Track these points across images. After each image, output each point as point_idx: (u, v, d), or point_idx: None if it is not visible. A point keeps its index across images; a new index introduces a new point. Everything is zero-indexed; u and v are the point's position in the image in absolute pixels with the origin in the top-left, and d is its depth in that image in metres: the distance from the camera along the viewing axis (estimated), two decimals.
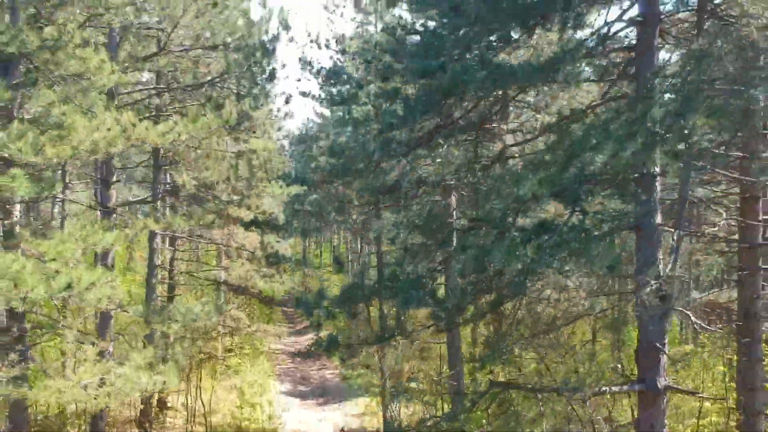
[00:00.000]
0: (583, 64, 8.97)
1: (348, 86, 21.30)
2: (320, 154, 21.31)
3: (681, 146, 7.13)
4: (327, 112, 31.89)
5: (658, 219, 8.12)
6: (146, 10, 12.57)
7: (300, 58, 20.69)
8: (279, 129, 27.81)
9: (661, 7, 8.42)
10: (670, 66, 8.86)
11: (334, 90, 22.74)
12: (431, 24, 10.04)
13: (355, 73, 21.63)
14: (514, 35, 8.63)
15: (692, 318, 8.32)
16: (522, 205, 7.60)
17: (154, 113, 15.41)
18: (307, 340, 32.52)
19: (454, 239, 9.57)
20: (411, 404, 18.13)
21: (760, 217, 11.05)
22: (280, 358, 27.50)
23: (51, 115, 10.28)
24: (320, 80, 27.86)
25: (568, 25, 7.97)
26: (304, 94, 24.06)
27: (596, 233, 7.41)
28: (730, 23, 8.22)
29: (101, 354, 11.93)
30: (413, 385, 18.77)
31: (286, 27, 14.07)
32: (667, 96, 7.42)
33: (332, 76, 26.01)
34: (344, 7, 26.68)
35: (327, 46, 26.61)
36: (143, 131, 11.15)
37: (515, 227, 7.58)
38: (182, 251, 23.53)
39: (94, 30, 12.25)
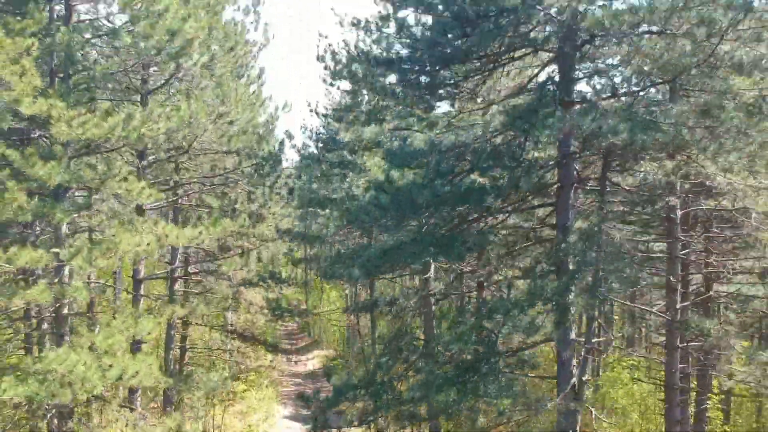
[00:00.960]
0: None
1: (344, 152, 23.86)
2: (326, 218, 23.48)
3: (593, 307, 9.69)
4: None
5: (572, 335, 10.47)
6: (175, 132, 15.00)
7: (301, 126, 23.27)
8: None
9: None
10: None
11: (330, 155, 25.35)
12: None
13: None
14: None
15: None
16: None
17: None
18: (308, 358, 34.97)
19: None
20: None
21: None
22: (283, 380, 29.43)
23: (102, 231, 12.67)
24: (319, 145, 30.72)
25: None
26: (305, 158, 26.28)
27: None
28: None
29: (139, 417, 14.20)
30: None
31: (290, 136, 16.67)
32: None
33: (329, 142, 28.84)
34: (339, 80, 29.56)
35: (325, 115, 29.36)
36: (174, 239, 13.54)
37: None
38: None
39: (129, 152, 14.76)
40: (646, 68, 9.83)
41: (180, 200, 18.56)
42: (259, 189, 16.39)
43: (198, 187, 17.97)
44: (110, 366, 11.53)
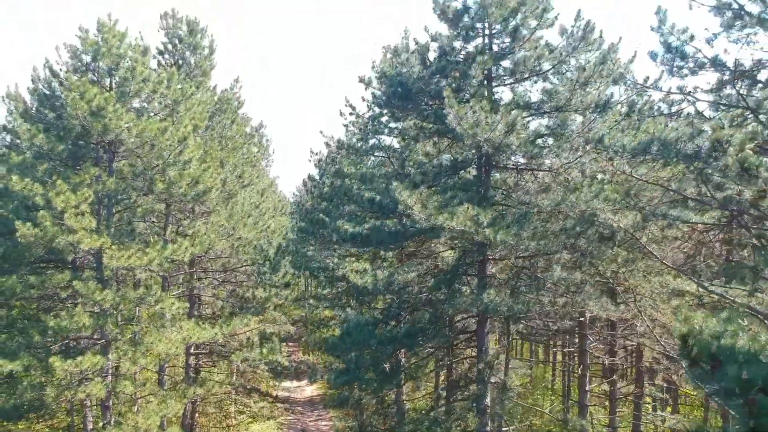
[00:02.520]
0: None
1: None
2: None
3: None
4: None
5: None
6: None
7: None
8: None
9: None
10: None
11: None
12: None
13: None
14: None
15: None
16: None
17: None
18: (307, 384, 38.29)
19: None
20: None
21: None
22: (283, 406, 32.72)
23: (142, 338, 16.44)
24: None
25: None
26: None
27: None
28: None
29: None
30: None
31: (288, 251, 20.53)
32: None
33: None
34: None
35: (323, 175, 33.44)
36: (195, 338, 17.32)
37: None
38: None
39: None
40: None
41: (197, 293, 22.46)
42: (260, 288, 20.20)
43: (211, 284, 21.79)
44: None
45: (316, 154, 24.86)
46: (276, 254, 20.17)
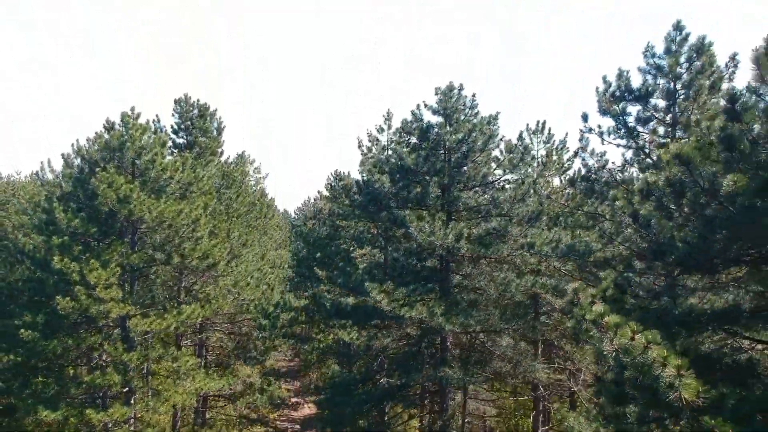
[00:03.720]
0: None
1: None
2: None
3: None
4: None
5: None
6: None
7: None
8: None
9: None
10: None
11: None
12: None
13: None
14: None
15: None
16: None
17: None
18: (306, 402, 40.87)
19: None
20: None
21: None
22: (281, 425, 35.44)
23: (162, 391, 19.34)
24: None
25: None
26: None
27: None
28: None
29: None
30: None
31: (287, 306, 23.48)
32: None
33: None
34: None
35: (324, 222, 36.18)
36: (207, 387, 20.22)
37: None
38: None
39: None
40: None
41: (206, 338, 25.40)
42: (260, 341, 23.09)
43: (218, 330, 24.71)
44: None
45: (315, 200, 27.62)
46: (275, 309, 23.07)
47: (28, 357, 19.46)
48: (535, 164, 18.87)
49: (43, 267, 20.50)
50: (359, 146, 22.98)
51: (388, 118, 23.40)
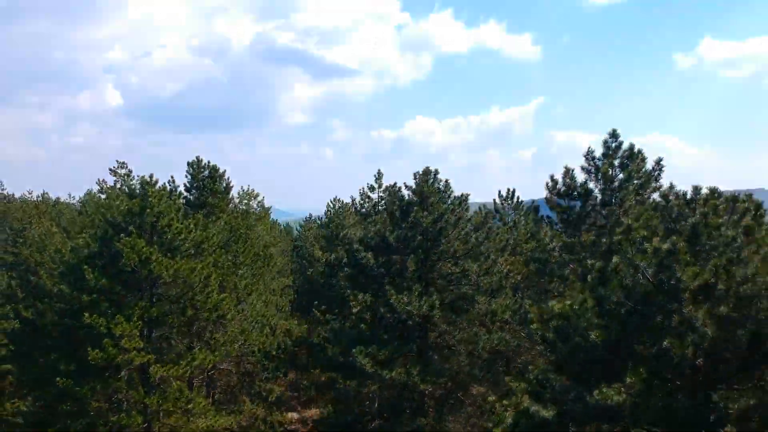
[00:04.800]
0: None
1: None
2: None
3: None
4: None
5: None
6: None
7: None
8: None
9: None
10: None
11: None
12: None
13: None
14: None
15: None
16: None
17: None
18: (309, 415, 43.14)
19: None
20: None
21: None
22: None
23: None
24: None
25: None
26: None
27: None
28: None
29: None
30: None
31: (287, 349, 26.20)
32: None
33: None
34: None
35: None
36: (218, 424, 22.93)
37: None
38: None
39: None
40: None
41: (214, 376, 28.12)
42: (265, 381, 25.74)
43: (227, 374, 27.45)
44: None
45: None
46: (277, 351, 25.78)
47: (60, 399, 22.21)
48: (506, 228, 21.58)
49: (72, 317, 23.26)
50: (353, 204, 25.76)
51: (379, 177, 26.20)
